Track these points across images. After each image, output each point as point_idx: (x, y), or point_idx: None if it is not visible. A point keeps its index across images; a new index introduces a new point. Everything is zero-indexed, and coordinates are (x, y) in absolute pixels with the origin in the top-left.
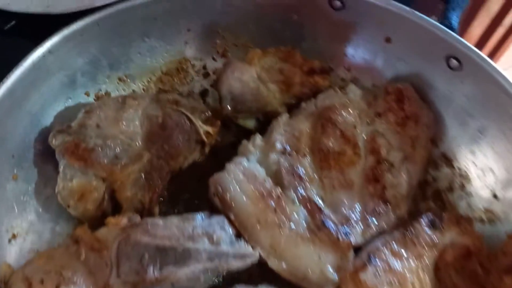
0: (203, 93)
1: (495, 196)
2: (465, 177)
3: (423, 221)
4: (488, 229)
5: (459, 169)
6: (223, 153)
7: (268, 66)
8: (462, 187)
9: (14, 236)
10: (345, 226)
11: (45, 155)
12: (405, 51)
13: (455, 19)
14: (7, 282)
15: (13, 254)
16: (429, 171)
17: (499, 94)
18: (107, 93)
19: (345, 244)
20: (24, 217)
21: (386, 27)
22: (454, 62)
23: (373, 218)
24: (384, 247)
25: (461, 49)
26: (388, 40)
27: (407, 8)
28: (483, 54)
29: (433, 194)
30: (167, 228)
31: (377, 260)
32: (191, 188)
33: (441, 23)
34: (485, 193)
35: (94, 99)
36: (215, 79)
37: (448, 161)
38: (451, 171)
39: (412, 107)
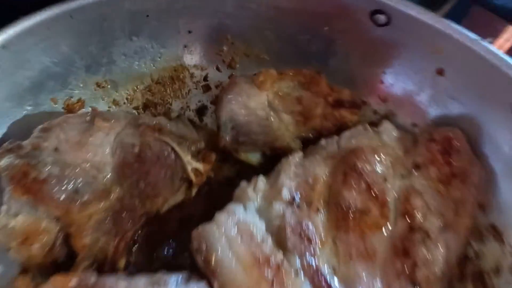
0: (200, 111)
1: None
2: None
3: None
4: None
5: (511, 246)
6: (216, 191)
7: (283, 93)
8: None
9: None
10: None
11: None
12: (461, 88)
13: None
14: None
15: None
16: (472, 243)
17: None
18: (80, 101)
19: None
20: None
21: (440, 55)
22: None
23: None
24: None
25: None
26: (440, 72)
27: (472, 35)
28: None
29: (474, 275)
30: None
31: None
32: (171, 234)
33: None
34: None
35: (63, 108)
36: (217, 95)
37: (498, 233)
38: (500, 247)
39: (461, 162)
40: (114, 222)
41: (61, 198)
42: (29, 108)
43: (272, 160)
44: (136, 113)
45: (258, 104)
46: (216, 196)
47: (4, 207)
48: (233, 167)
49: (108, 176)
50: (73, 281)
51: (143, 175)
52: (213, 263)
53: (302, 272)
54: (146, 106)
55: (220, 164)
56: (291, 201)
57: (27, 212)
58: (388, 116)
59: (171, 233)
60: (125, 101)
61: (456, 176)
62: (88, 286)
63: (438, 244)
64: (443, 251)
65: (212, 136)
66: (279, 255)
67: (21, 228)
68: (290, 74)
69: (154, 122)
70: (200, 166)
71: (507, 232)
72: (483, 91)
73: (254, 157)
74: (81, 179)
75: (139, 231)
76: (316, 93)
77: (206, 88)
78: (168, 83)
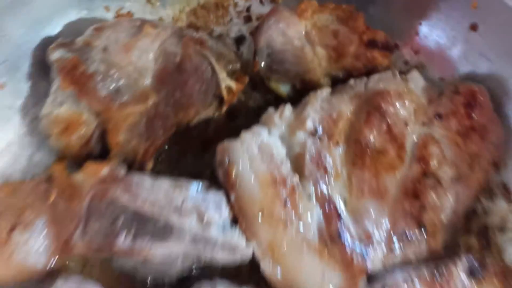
0: (239, 40)
1: None
2: None
3: (461, 265)
4: None
5: None
6: (243, 116)
7: (321, 25)
8: None
9: None
10: (364, 244)
11: (43, 70)
12: (492, 46)
13: None
14: None
15: None
16: (482, 199)
17: None
18: (130, 13)
19: (358, 268)
20: (3, 135)
21: (476, 11)
22: None
23: (401, 243)
24: (405, 284)
25: None
26: (474, 27)
27: None
28: None
29: (479, 229)
30: (154, 192)
31: None
32: (195, 150)
33: None
34: None
35: (114, 17)
36: (256, 26)
37: (508, 193)
38: (508, 206)
39: (482, 117)
40: (147, 127)
41: (103, 95)
42: (84, 12)
43: (300, 95)
44: None
45: (296, 33)
46: (242, 121)
47: (51, 97)
48: (262, 96)
49: (148, 82)
50: (105, 170)
51: (180, 85)
52: (233, 176)
53: (314, 197)
54: (189, 28)
55: (250, 92)
56: (313, 132)
57: (71, 104)
58: (418, 68)
59: (196, 148)
60: (171, 20)
61: (475, 131)
62: (117, 178)
63: (448, 193)
64: (452, 201)
65: (246, 65)
66: (295, 179)
67: (63, 117)
68: (330, 7)
69: (197, 36)
70: (233, 84)
71: None
72: None
73: (284, 88)
74: (123, 80)
75: (168, 141)
76: (353, 29)
77: (247, 19)
78: (213, 9)
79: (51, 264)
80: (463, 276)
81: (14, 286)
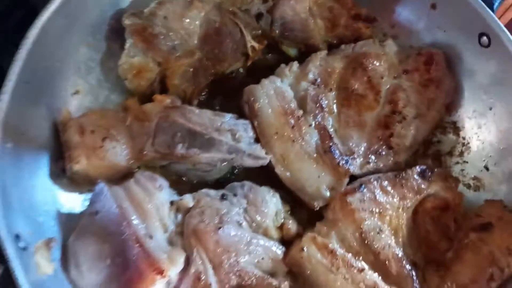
0: (258, 16)
1: (486, 168)
2: (466, 146)
3: (416, 170)
4: (471, 195)
5: (464, 138)
6: (261, 72)
7: (320, 2)
8: (461, 154)
9: (77, 92)
10: (348, 157)
11: (115, 33)
12: (446, 20)
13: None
14: (65, 125)
15: (73, 106)
16: (437, 133)
17: None
18: None
19: (343, 171)
20: (87, 79)
21: None
22: (485, 39)
23: (374, 157)
24: (375, 181)
25: (493, 28)
26: (433, 6)
27: None
28: None
29: (434, 154)
30: (201, 117)
31: (365, 189)
32: (227, 94)
33: (484, 1)
34: (479, 164)
35: None
36: (271, 6)
37: (456, 129)
38: (455, 138)
39: (437, 72)
40: (194, 74)
41: (164, 50)
42: None
43: (304, 56)
44: None
45: (302, 8)
46: (260, 75)
47: (125, 51)
48: (276, 58)
49: (195, 42)
50: (168, 100)
51: (218, 44)
52: (256, 109)
53: (313, 125)
54: None
55: (267, 54)
56: (314, 82)
57: (140, 56)
58: (393, 38)
59: (227, 93)
60: None
61: (432, 82)
62: (176, 106)
63: (410, 126)
64: (413, 131)
65: (265, 33)
66: (300, 112)
67: (135, 65)
68: None
69: (232, 9)
70: (256, 44)
71: (462, 129)
72: (461, 23)
73: (292, 51)
74: (177, 40)
75: (208, 86)
76: (343, 6)
77: (265, 0)
78: None
79: (130, 165)
80: (417, 177)
81: (106, 179)
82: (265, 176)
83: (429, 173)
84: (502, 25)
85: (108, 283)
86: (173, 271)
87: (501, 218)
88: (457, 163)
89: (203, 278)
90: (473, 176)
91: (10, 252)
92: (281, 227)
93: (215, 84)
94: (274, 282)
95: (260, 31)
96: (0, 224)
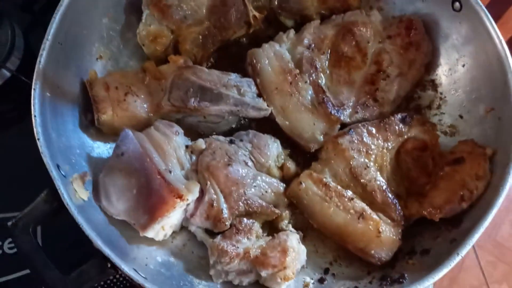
0: None
1: (461, 116)
2: (443, 100)
3: (397, 116)
4: (448, 140)
5: (441, 93)
6: (262, 41)
7: None
8: (439, 107)
9: (100, 57)
10: (339, 107)
11: (133, 6)
12: None
13: None
14: (92, 83)
15: (98, 69)
16: (417, 90)
17: (486, 39)
18: None
19: (335, 119)
20: (109, 47)
21: None
22: (457, 4)
23: (361, 108)
24: (362, 127)
25: None
26: None
27: None
28: (481, 2)
29: (414, 107)
30: (210, 75)
31: (354, 133)
32: (232, 59)
33: None
34: (454, 114)
35: None
36: None
37: (434, 86)
38: (434, 94)
39: (416, 36)
40: (203, 41)
41: (177, 18)
42: None
43: (300, 27)
44: None
45: None
46: (262, 43)
47: (143, 21)
48: (275, 28)
49: (203, 12)
50: (182, 60)
51: (224, 14)
52: (258, 69)
53: (309, 82)
54: None
55: (268, 24)
56: (308, 46)
57: (156, 24)
58: (378, 9)
59: (232, 58)
60: None
61: (412, 45)
62: (189, 65)
63: (394, 82)
64: (396, 87)
65: (264, 4)
66: (297, 71)
67: (152, 33)
68: None
69: None
70: (257, 14)
71: (440, 86)
72: None
73: (289, 22)
74: (189, 11)
75: (216, 51)
76: None
77: None
78: None
79: (149, 117)
80: (398, 122)
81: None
82: (268, 128)
83: (409, 119)
84: None
85: (135, 209)
86: (190, 198)
87: (472, 152)
88: (435, 114)
89: (215, 205)
90: (449, 124)
91: (54, 174)
92: (282, 168)
93: (222, 50)
94: (277, 210)
95: (260, 3)
96: (43, 150)
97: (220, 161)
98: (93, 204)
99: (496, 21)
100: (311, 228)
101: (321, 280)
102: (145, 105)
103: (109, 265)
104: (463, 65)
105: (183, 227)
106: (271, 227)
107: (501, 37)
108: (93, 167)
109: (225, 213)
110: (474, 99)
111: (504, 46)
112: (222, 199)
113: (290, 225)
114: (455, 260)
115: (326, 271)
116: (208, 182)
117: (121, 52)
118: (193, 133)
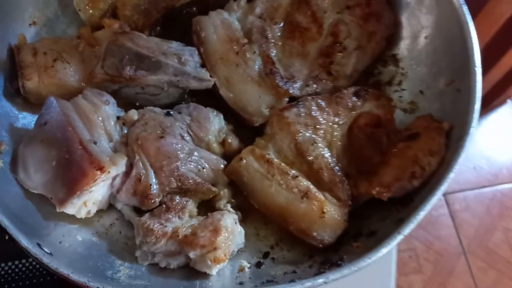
0: None
1: (421, 92)
2: (404, 75)
3: (350, 90)
4: (408, 117)
5: (402, 68)
6: (213, 9)
7: None
8: (400, 83)
9: (34, 23)
10: (288, 80)
11: None
12: None
13: None
14: (20, 48)
15: (29, 35)
16: (378, 66)
17: (447, 4)
18: None
19: (283, 91)
20: (44, 12)
21: None
22: None
23: (313, 82)
24: (312, 100)
25: None
26: None
27: None
28: None
29: (374, 83)
30: (148, 42)
31: (302, 105)
32: (177, 29)
33: None
34: (415, 89)
35: None
36: None
37: (396, 61)
38: (395, 69)
39: (377, 6)
40: (144, 7)
41: None
42: None
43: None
44: None
45: None
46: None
47: None
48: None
49: None
50: (116, 25)
51: None
52: (202, 37)
53: (258, 52)
54: None
55: None
56: (260, 16)
57: None
58: None
59: (178, 29)
60: None
61: (373, 16)
62: (125, 31)
63: (351, 55)
64: (353, 60)
65: None
66: (245, 40)
67: None
68: None
69: None
70: None
71: (401, 61)
72: None
73: None
74: None
75: (160, 20)
76: None
77: None
78: None
79: (81, 87)
80: (351, 96)
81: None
82: (213, 103)
83: (363, 92)
84: None
85: (53, 182)
86: (114, 171)
87: (428, 127)
88: (396, 91)
89: (143, 179)
90: (409, 100)
91: None
92: (223, 143)
93: (170, 20)
94: (213, 188)
95: None
96: None
97: (151, 133)
98: (8, 177)
99: None
100: (253, 210)
101: (258, 264)
102: (76, 73)
103: (7, 237)
104: (426, 37)
105: (111, 206)
106: (210, 208)
107: (462, 1)
108: (14, 138)
109: (154, 189)
110: (435, 72)
111: (464, 10)
112: (152, 174)
113: (228, 205)
114: (396, 239)
115: (265, 254)
116: (137, 155)
117: (58, 18)
118: (131, 106)
